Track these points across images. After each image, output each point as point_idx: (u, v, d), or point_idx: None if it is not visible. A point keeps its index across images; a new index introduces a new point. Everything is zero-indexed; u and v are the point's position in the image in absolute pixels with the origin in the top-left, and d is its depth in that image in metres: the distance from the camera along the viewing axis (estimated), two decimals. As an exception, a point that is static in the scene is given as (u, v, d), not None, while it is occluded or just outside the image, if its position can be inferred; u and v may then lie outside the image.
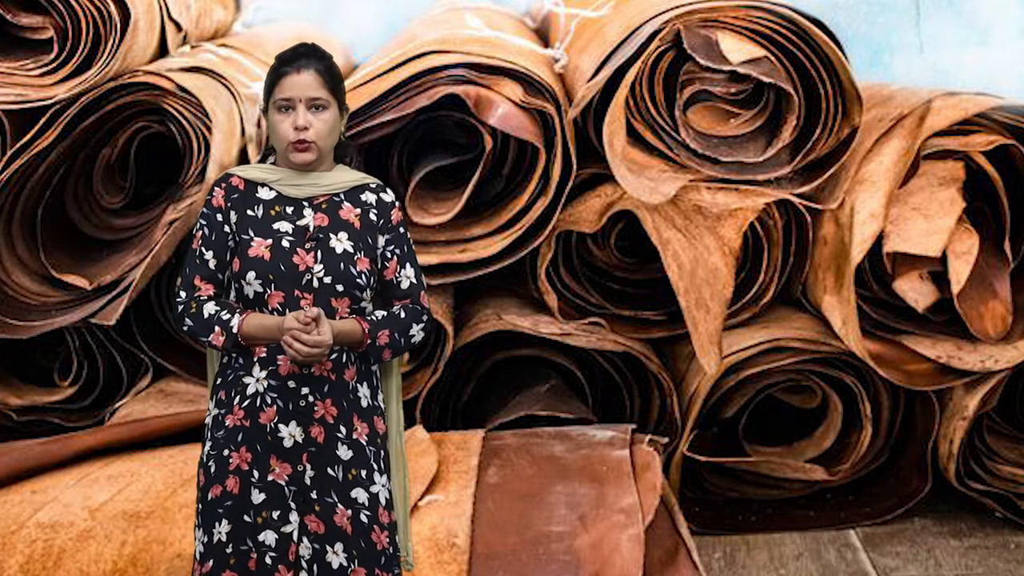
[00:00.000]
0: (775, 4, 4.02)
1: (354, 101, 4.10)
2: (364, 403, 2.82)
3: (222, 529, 2.71)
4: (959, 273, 4.05)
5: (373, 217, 2.86)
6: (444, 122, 4.29)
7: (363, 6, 6.25)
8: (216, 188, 2.81)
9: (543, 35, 5.38)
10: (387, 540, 2.79)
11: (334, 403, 2.77)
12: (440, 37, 4.41)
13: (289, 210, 2.79)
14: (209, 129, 4.05)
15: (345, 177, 2.88)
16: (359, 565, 2.74)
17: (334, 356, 2.77)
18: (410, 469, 3.68)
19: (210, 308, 2.73)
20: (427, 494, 3.58)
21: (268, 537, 2.72)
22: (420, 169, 4.17)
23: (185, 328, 2.76)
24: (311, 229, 2.77)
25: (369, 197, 2.89)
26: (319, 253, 2.77)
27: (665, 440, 4.00)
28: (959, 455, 4.19)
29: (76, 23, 3.99)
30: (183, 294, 2.76)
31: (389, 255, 2.87)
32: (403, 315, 2.84)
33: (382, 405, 2.89)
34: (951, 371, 4.16)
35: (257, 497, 2.72)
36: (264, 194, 2.80)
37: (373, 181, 2.94)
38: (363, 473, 2.78)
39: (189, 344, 4.27)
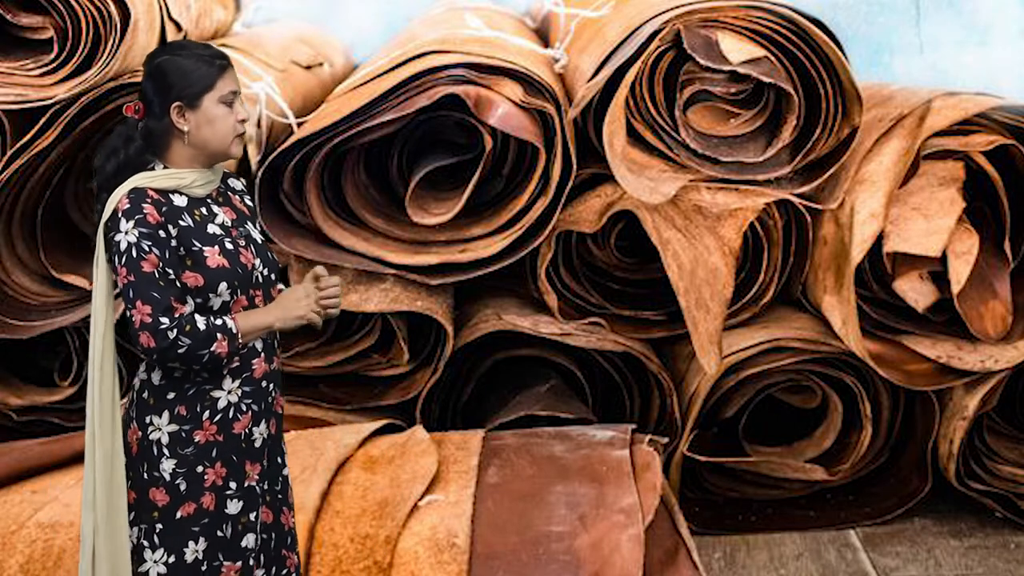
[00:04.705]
0: (775, 4, 4.02)
1: (354, 101, 4.11)
2: None
3: (199, 548, 2.67)
4: (959, 273, 4.05)
5: (249, 203, 2.88)
6: (444, 122, 4.28)
7: (363, 6, 6.25)
8: (143, 204, 2.59)
9: (543, 35, 5.38)
10: (292, 521, 2.88)
11: (281, 393, 2.84)
12: (440, 37, 4.41)
13: (204, 211, 2.71)
14: (209, 129, 4.05)
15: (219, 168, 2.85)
16: (274, 547, 2.82)
17: (279, 348, 2.82)
18: (410, 469, 3.69)
19: (201, 322, 2.59)
20: (427, 494, 3.58)
21: (249, 540, 2.72)
22: (420, 169, 4.17)
23: (181, 350, 2.56)
24: (230, 224, 2.74)
25: (236, 184, 2.88)
26: (252, 248, 2.74)
27: (665, 440, 4.00)
28: (959, 455, 4.19)
29: (76, 23, 3.98)
30: (165, 320, 2.55)
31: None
32: None
33: None
34: (951, 371, 4.16)
35: (235, 507, 2.71)
36: (178, 200, 2.68)
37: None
38: (278, 458, 2.85)
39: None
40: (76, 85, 3.98)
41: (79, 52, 3.99)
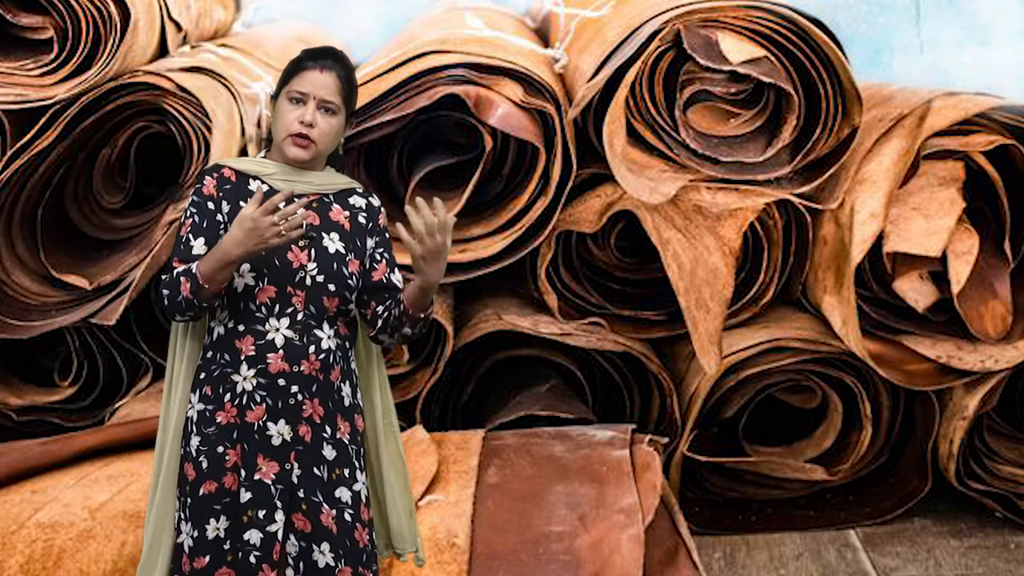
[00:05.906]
0: (775, 4, 4.02)
1: (354, 101, 4.11)
2: (347, 402, 2.85)
3: (220, 525, 2.71)
4: (959, 273, 4.05)
5: (362, 220, 2.89)
6: (444, 122, 4.29)
7: (363, 6, 6.24)
8: (207, 177, 2.79)
9: (543, 35, 5.38)
10: (367, 538, 2.82)
11: (321, 403, 2.79)
12: (440, 37, 4.41)
13: (280, 206, 2.75)
14: (209, 129, 4.05)
15: (335, 179, 2.90)
16: (345, 564, 2.76)
17: (322, 356, 2.78)
18: (410, 469, 3.68)
19: (176, 272, 2.70)
20: (427, 494, 3.58)
21: (253, 536, 2.71)
22: (420, 169, 4.17)
23: (166, 302, 2.71)
24: (304, 227, 2.78)
25: (358, 201, 2.91)
26: (312, 251, 2.77)
27: (665, 440, 4.00)
28: (959, 455, 4.19)
29: (76, 23, 3.99)
30: (164, 277, 2.74)
31: (379, 257, 2.89)
32: None
33: (361, 402, 2.91)
34: (951, 371, 4.16)
35: (244, 496, 2.72)
36: (254, 186, 2.79)
37: (359, 185, 2.96)
38: (346, 472, 2.81)
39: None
40: (76, 85, 3.98)
41: (79, 52, 3.99)
